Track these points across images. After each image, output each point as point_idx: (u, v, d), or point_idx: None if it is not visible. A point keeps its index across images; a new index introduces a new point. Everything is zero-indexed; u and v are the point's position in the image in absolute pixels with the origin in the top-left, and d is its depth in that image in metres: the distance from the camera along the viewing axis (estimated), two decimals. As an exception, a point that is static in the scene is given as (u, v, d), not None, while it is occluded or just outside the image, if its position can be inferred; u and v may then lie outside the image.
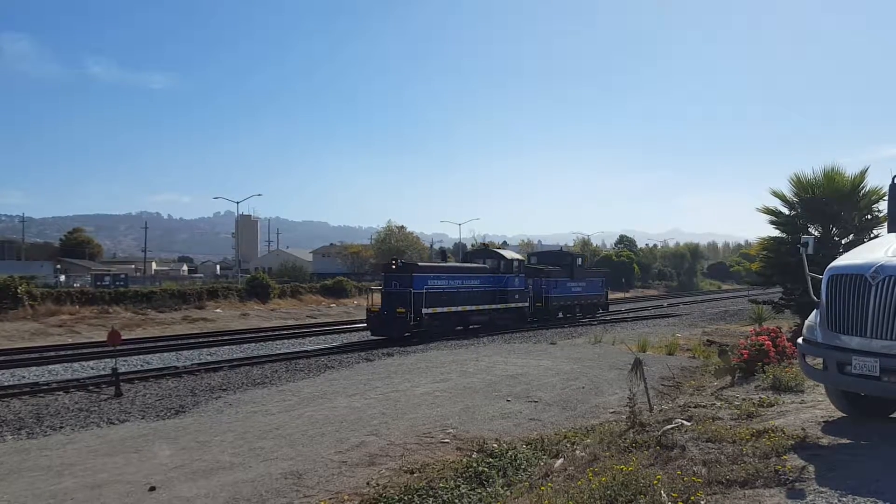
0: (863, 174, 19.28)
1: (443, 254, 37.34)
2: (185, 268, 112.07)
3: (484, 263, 29.06)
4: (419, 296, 23.91)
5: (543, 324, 30.72)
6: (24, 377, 16.14)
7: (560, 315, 33.66)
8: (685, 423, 6.68)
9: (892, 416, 6.51)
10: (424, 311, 24.02)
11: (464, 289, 26.58)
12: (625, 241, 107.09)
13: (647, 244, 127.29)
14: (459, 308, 25.99)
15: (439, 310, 24.84)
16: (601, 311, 38.27)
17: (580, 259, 38.63)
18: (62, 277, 60.41)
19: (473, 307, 26.74)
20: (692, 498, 4.46)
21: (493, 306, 27.75)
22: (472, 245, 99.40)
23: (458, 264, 30.30)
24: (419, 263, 28.66)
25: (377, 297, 25.09)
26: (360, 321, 32.40)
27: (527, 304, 30.09)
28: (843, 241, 19.14)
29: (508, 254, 30.96)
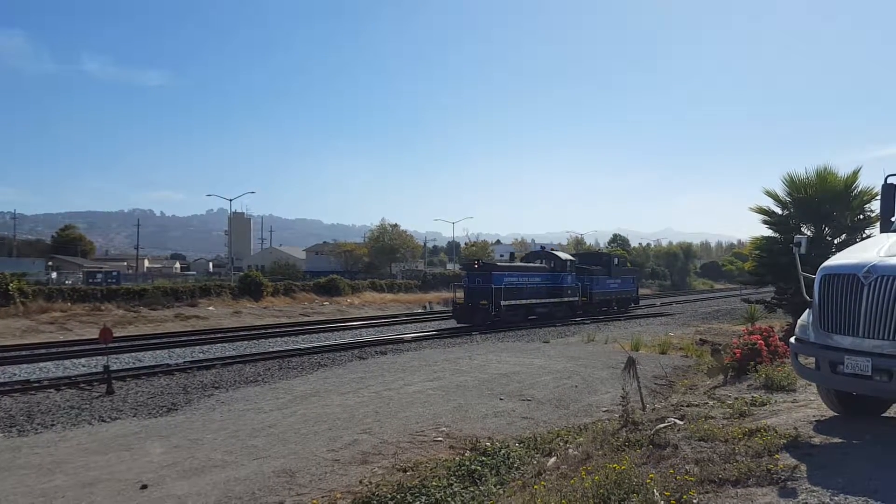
0: (855, 174, 19.38)
1: (511, 255, 41.98)
2: (177, 265, 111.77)
3: (542, 263, 33.60)
4: (498, 291, 28.47)
5: (588, 315, 34.51)
6: (15, 374, 16.05)
7: (602, 308, 37.03)
8: (678, 421, 6.69)
9: (883, 415, 6.54)
10: (502, 303, 28.63)
11: (530, 285, 31.10)
12: (618, 241, 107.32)
13: (640, 243, 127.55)
14: (526, 301, 30.65)
15: (513, 302, 29.51)
16: (633, 305, 41.31)
17: (616, 259, 42.12)
18: (54, 275, 60.00)
19: (537, 300, 31.41)
20: (685, 496, 4.47)
21: (552, 300, 32.36)
22: (466, 243, 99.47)
23: (525, 264, 34.17)
24: (497, 263, 33.61)
25: (460, 293, 30.04)
26: (355, 320, 32.61)
27: (577, 299, 34.20)
28: (835, 241, 19.24)
29: (562, 255, 35.32)
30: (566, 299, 33.11)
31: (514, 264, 33.73)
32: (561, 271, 33.13)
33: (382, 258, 78.18)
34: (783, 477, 4.67)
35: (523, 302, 30.35)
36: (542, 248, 40.88)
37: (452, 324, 29.32)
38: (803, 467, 4.83)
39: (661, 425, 6.47)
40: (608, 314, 36.47)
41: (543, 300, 31.77)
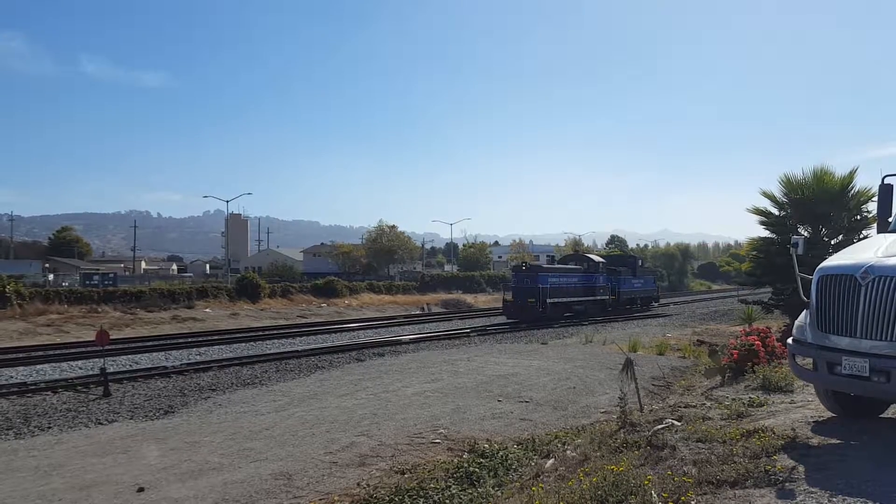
0: (851, 175, 19.34)
1: (552, 258, 46.26)
2: (174, 267, 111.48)
3: (578, 265, 37.09)
4: (544, 290, 31.67)
5: (616, 313, 37.38)
6: (11, 377, 16.01)
7: (626, 306, 39.83)
8: (675, 423, 6.69)
9: (881, 415, 6.54)
10: (548, 301, 31.73)
11: (569, 284, 34.41)
12: (616, 241, 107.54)
13: (637, 244, 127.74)
14: (566, 299, 33.81)
15: (556, 300, 32.64)
16: (654, 303, 44.38)
17: (640, 261, 45.89)
18: (51, 276, 59.91)
19: (575, 299, 34.62)
20: (682, 498, 4.46)
21: (587, 298, 35.61)
22: (464, 245, 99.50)
23: (564, 266, 37.66)
24: (542, 265, 37.40)
25: (508, 293, 33.18)
26: (352, 321, 32.64)
27: (608, 297, 37.30)
28: (832, 242, 19.21)
29: (595, 257, 39.27)
30: (598, 297, 36.32)
31: (556, 266, 37.45)
32: (594, 272, 36.46)
33: (380, 259, 78.12)
34: (781, 478, 4.67)
35: (564, 300, 33.52)
36: (576, 251, 45.07)
37: (438, 328, 29.31)
38: (801, 468, 4.83)
39: (659, 426, 6.46)
40: (631, 312, 39.17)
41: (580, 298, 35.03)
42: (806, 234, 19.84)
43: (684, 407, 8.28)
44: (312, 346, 22.12)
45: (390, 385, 12.89)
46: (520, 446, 7.92)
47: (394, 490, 6.35)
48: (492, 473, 6.85)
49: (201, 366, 17.21)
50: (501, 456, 7.41)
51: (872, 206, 18.54)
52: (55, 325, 28.58)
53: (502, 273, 72.58)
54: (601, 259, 39.13)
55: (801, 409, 7.14)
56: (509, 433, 9.03)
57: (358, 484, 6.81)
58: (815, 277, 5.90)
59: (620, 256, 50.75)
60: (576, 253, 42.31)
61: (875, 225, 7.69)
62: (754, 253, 22.93)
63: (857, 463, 4.90)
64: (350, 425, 9.46)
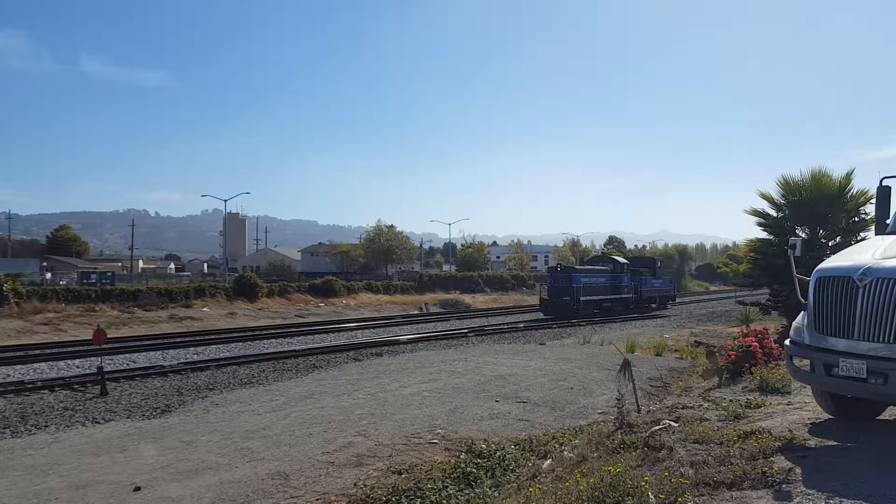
0: (849, 176, 19.34)
1: (581, 260, 49.86)
2: (172, 266, 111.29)
3: (605, 266, 40.30)
4: (578, 289, 34.85)
5: (638, 310, 40.27)
6: (8, 375, 15.99)
7: (647, 304, 42.66)
8: (673, 424, 6.69)
9: (878, 417, 6.55)
10: (581, 298, 34.86)
11: (598, 284, 37.41)
12: (614, 242, 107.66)
13: (635, 245, 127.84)
14: (596, 297, 36.93)
15: (588, 298, 35.86)
16: (671, 301, 47.39)
17: (659, 262, 48.79)
18: (48, 275, 59.80)
19: (603, 297, 37.64)
20: (679, 499, 4.47)
21: (613, 296, 38.64)
22: (462, 245, 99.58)
23: (594, 266, 40.87)
24: (575, 266, 41.15)
25: (544, 292, 36.42)
26: (350, 321, 32.68)
27: (631, 296, 40.35)
28: (830, 244, 19.22)
29: (620, 259, 42.75)
30: (623, 296, 39.36)
31: (587, 267, 40.68)
32: (620, 273, 39.47)
33: (378, 259, 78.10)
34: (778, 480, 4.67)
35: (595, 298, 36.50)
36: (603, 252, 47.85)
37: (442, 326, 29.23)
38: (798, 470, 4.84)
39: (656, 427, 6.46)
40: (650, 309, 41.89)
41: (608, 296, 37.98)
42: (804, 235, 19.83)
43: (682, 408, 8.28)
44: (310, 346, 22.10)
45: (388, 385, 12.87)
46: (517, 447, 7.91)
47: (391, 490, 6.34)
48: (489, 474, 6.84)
49: (198, 365, 17.20)
50: (499, 456, 7.40)
51: (870, 208, 18.57)
52: (52, 324, 28.55)
53: (501, 273, 72.70)
54: (626, 260, 42.48)
55: (798, 411, 7.15)
56: (507, 433, 9.02)
57: (355, 484, 6.80)
58: (812, 279, 5.91)
59: (642, 258, 54.78)
60: (603, 255, 45.96)
61: (873, 227, 7.70)
62: (752, 254, 22.95)
63: (854, 464, 4.91)
64: (347, 425, 9.44)
